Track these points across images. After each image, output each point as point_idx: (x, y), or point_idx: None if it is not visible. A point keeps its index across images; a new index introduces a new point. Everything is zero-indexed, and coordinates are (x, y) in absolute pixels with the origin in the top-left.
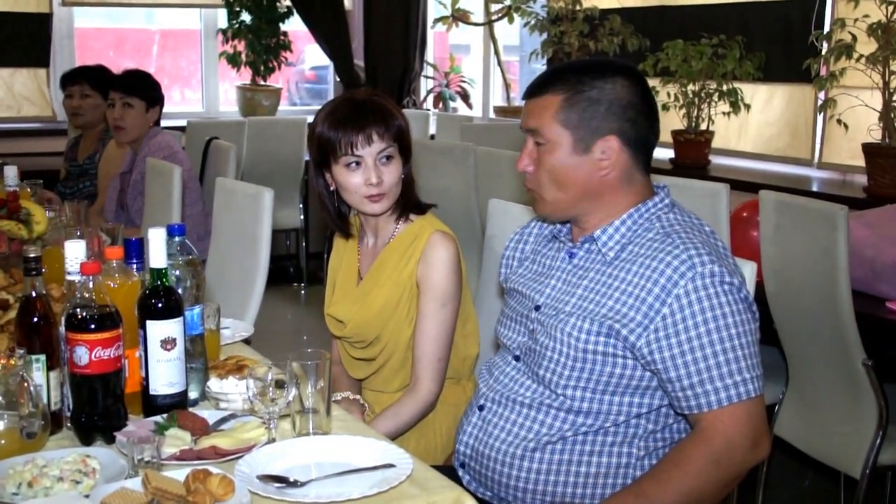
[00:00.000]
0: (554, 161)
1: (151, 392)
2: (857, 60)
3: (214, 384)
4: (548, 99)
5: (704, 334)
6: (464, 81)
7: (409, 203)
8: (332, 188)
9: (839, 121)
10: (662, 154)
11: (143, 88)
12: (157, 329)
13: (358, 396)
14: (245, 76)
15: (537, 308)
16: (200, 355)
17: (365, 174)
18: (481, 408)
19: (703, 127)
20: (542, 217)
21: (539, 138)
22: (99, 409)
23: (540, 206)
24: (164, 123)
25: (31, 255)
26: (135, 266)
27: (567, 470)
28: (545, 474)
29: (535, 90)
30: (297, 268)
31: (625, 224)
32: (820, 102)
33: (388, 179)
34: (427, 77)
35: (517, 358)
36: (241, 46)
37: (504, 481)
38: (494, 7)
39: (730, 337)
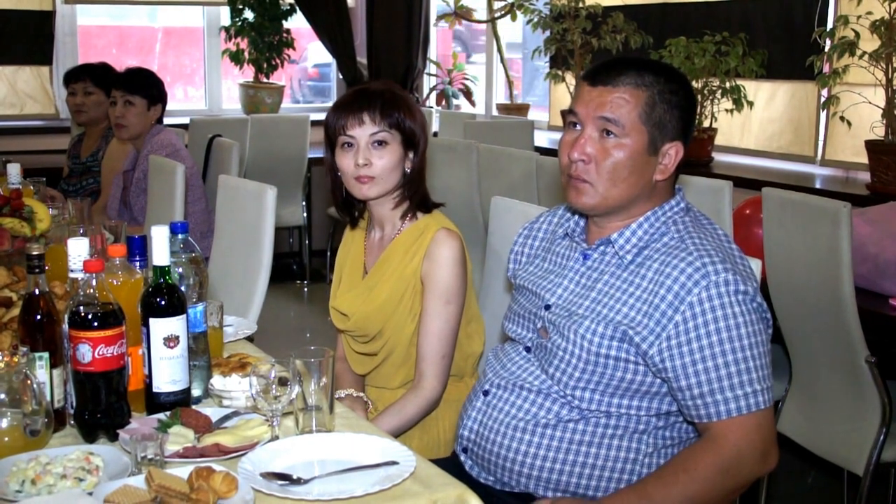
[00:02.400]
0: (623, 155)
1: (154, 389)
2: (860, 57)
3: (217, 382)
4: (632, 92)
5: (717, 343)
6: (466, 79)
7: (414, 198)
8: (339, 173)
9: (842, 118)
10: None
11: (145, 87)
12: (160, 326)
13: (361, 394)
14: (248, 74)
15: (548, 307)
16: (203, 353)
17: (356, 155)
18: (486, 393)
19: (706, 124)
20: (582, 208)
21: (614, 129)
22: (102, 406)
23: (586, 196)
24: (166, 121)
25: (34, 253)
26: (138, 264)
27: (573, 459)
28: (550, 461)
29: (613, 79)
30: (300, 265)
31: (641, 227)
32: (823, 99)
33: (379, 164)
34: (430, 74)
35: (528, 349)
36: (243, 44)
37: (507, 465)
38: (497, 4)
39: (742, 347)
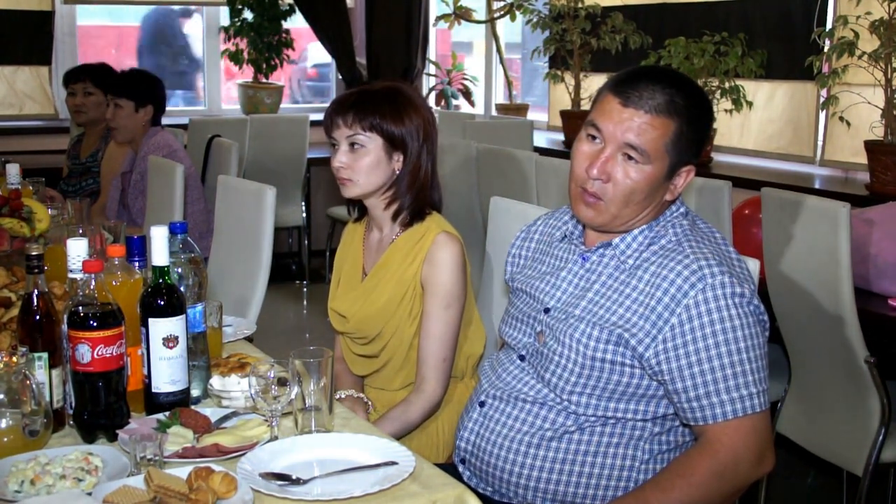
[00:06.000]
0: (643, 180)
1: (153, 390)
2: (860, 58)
3: (217, 382)
4: (663, 120)
5: (712, 346)
6: (466, 79)
7: (410, 202)
8: None
9: (841, 118)
10: None
11: (132, 89)
12: (160, 327)
13: (362, 395)
14: (247, 74)
15: (547, 311)
16: (203, 353)
17: (336, 157)
18: (482, 404)
19: None
20: (590, 223)
21: (637, 156)
22: (101, 406)
23: (596, 213)
24: (165, 121)
25: (34, 253)
26: (137, 264)
27: (570, 469)
28: (547, 472)
29: (645, 102)
30: (300, 265)
31: (642, 233)
32: (822, 100)
33: (355, 166)
34: (429, 75)
35: (522, 358)
36: (243, 44)
37: (505, 477)
38: (496, 4)
39: (738, 350)
